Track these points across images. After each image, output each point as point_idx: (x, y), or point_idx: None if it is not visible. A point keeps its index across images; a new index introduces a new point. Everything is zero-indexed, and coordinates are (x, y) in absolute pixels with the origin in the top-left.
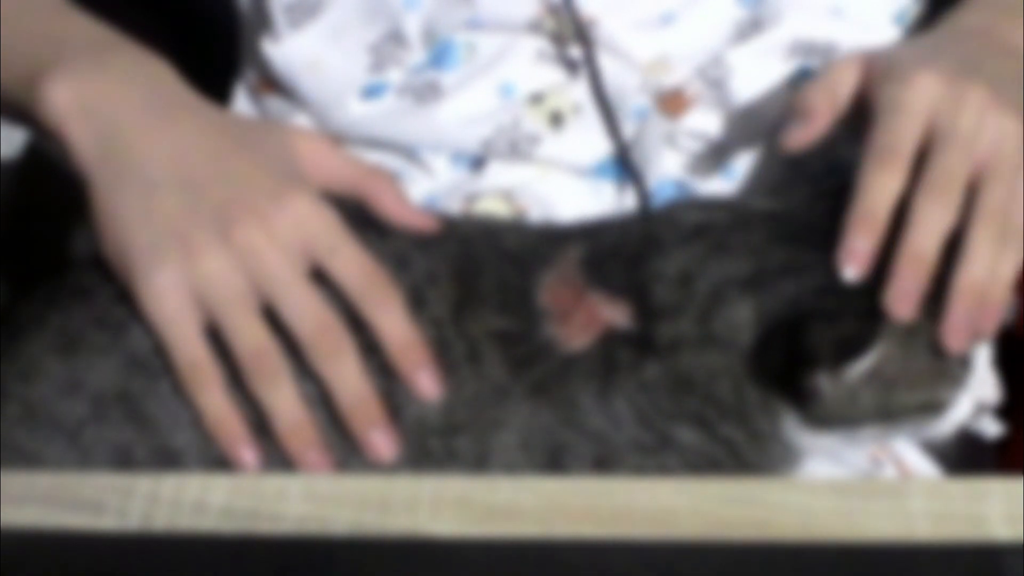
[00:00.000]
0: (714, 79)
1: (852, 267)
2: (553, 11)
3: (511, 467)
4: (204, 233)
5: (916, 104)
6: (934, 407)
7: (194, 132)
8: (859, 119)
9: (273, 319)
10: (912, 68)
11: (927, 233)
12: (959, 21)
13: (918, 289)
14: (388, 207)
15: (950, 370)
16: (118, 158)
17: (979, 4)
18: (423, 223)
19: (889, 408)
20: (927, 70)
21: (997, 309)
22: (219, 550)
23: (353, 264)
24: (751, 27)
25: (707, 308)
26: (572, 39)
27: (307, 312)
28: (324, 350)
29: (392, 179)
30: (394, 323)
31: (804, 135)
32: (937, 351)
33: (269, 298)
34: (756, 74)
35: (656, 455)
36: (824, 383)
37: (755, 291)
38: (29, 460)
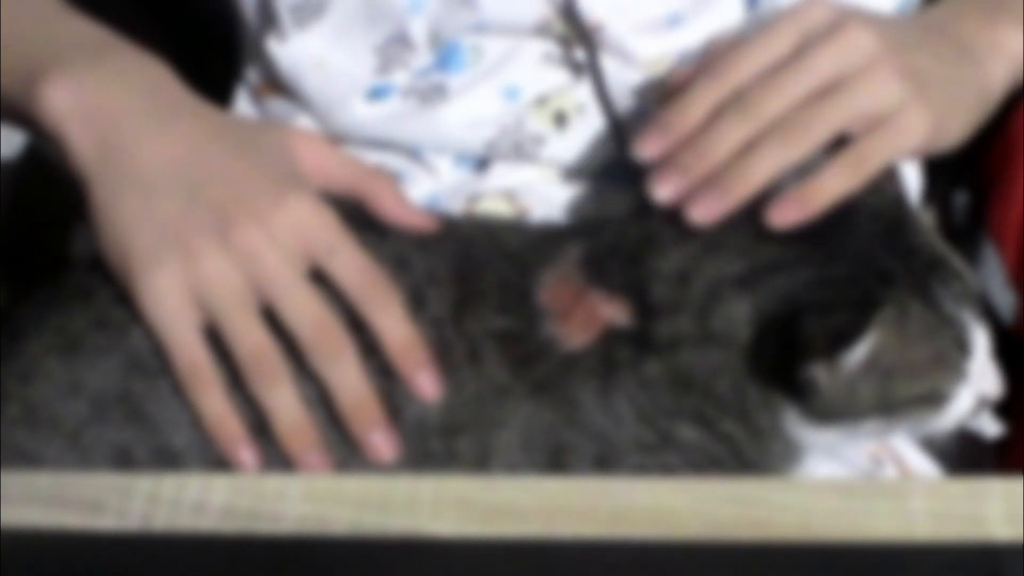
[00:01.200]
0: None
1: (641, 150)
2: (560, 14)
3: (512, 467)
4: (203, 234)
5: (790, 21)
6: (934, 399)
7: (193, 133)
8: None
9: (273, 320)
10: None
11: (714, 136)
12: (929, 12)
13: (685, 176)
14: (387, 207)
15: (949, 359)
16: (117, 160)
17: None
18: (422, 223)
19: (889, 400)
20: (830, 5)
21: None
22: (219, 550)
23: (352, 265)
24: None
25: (705, 306)
26: (578, 42)
27: (306, 313)
28: (324, 351)
29: (391, 179)
30: (393, 324)
31: None
32: (935, 339)
33: (268, 299)
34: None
35: (657, 453)
36: (821, 375)
37: (750, 288)
38: (29, 461)
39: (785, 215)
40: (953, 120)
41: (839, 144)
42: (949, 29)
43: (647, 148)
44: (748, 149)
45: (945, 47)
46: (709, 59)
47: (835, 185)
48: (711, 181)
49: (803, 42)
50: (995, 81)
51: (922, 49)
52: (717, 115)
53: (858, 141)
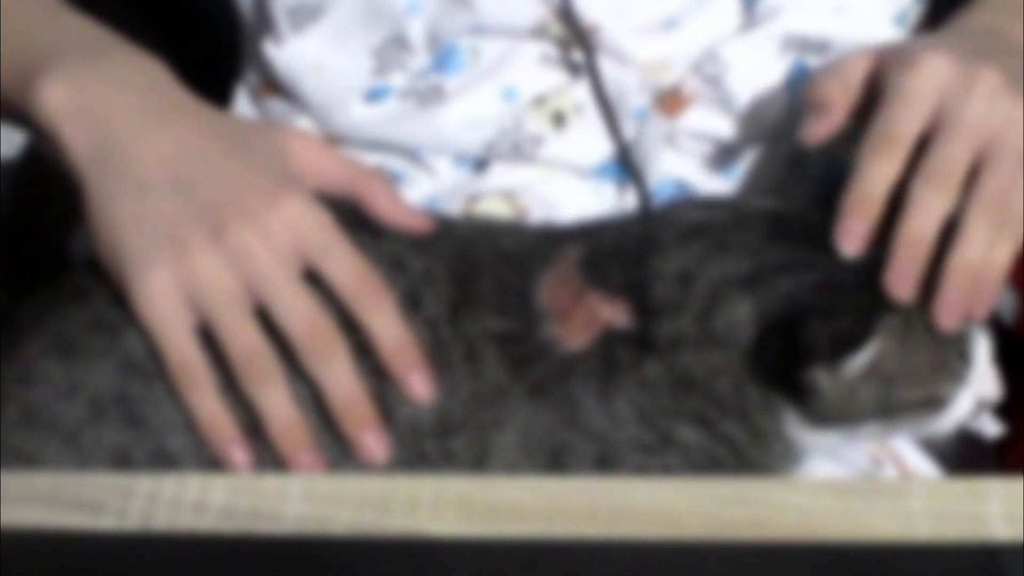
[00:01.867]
0: (711, 76)
1: (848, 245)
2: (557, 16)
3: (511, 468)
4: (197, 234)
5: (923, 88)
6: (934, 403)
7: (188, 133)
8: (871, 110)
9: (266, 320)
10: (922, 53)
11: (924, 217)
12: (966, 21)
13: (916, 271)
14: (382, 208)
15: (950, 365)
16: (112, 159)
17: (986, 6)
18: (418, 224)
19: (889, 404)
20: (937, 54)
21: (990, 293)
22: (219, 550)
23: (346, 265)
24: (750, 24)
25: (707, 307)
26: (575, 43)
27: (300, 313)
28: (317, 351)
29: (387, 180)
30: (387, 325)
31: (823, 128)
32: (936, 345)
33: (262, 299)
34: (753, 71)
35: (657, 454)
36: (822, 379)
37: (754, 289)
38: (28, 462)
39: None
40: None
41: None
42: (1000, 37)
43: (853, 238)
44: (964, 235)
45: (1011, 56)
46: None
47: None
48: (968, 290)
49: (942, 103)
50: None
51: (1012, 72)
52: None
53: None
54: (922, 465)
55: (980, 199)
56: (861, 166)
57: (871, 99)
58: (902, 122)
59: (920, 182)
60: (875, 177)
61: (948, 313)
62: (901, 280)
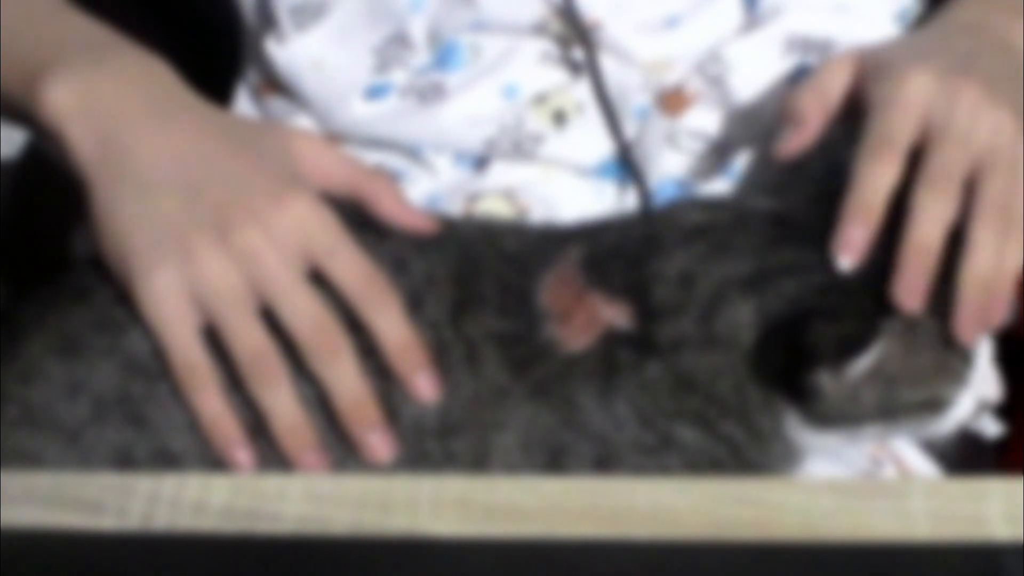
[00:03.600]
0: (713, 76)
1: (848, 256)
2: (559, 13)
3: (511, 468)
4: (202, 234)
5: (910, 100)
6: (936, 405)
7: (193, 133)
8: (856, 117)
9: (271, 320)
10: (905, 66)
11: (930, 224)
12: (953, 16)
13: (925, 280)
14: (387, 209)
15: (952, 367)
16: (117, 159)
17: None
18: (422, 225)
19: (891, 406)
20: (920, 67)
21: (1004, 300)
22: (219, 550)
23: (351, 266)
24: (751, 24)
25: (708, 308)
26: (576, 41)
27: (305, 314)
28: (322, 352)
29: (391, 180)
30: (392, 325)
31: (796, 142)
32: (938, 347)
33: (267, 299)
34: (755, 71)
35: (657, 455)
36: (826, 381)
37: (756, 291)
38: (29, 461)
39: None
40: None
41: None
42: (983, 32)
43: (853, 246)
44: (972, 246)
45: (998, 55)
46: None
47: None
48: (983, 301)
49: (929, 115)
50: None
51: (998, 74)
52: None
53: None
54: (922, 465)
55: (982, 207)
56: (859, 172)
57: (851, 107)
58: (894, 128)
59: (921, 189)
60: (874, 183)
61: (967, 327)
62: (910, 291)
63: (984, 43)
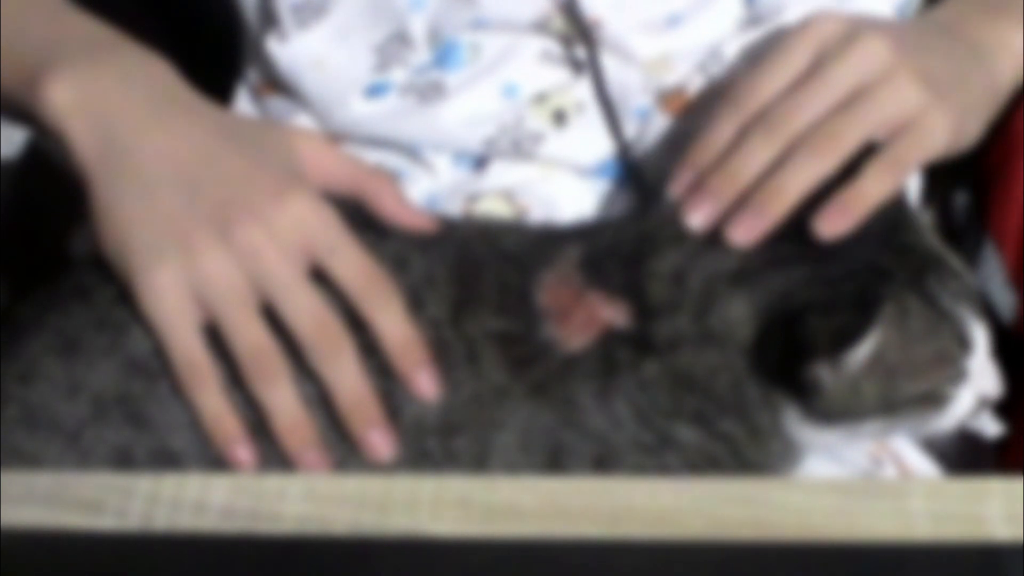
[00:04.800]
0: (715, 76)
1: (674, 192)
2: (560, 11)
3: (511, 467)
4: (204, 232)
5: (803, 39)
6: (936, 398)
7: (194, 132)
8: None
9: (272, 319)
10: (864, 31)
11: (742, 157)
12: (933, 14)
13: (715, 201)
14: (387, 207)
15: (950, 355)
16: (118, 157)
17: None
18: (422, 224)
19: (891, 399)
20: (877, 35)
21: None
22: (219, 550)
23: (352, 264)
24: (752, 22)
25: (702, 305)
26: (577, 39)
27: (306, 312)
28: (323, 350)
29: (392, 179)
30: (393, 323)
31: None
32: (933, 334)
33: (268, 298)
34: None
35: (656, 454)
36: (825, 374)
37: (745, 285)
38: (29, 461)
39: (834, 224)
40: (971, 120)
41: (866, 153)
42: (956, 30)
43: (679, 184)
44: (779, 166)
45: (956, 48)
46: (729, 88)
47: (875, 190)
48: (746, 202)
49: (820, 57)
50: (1004, 80)
51: (935, 52)
52: (743, 138)
53: (889, 146)
54: (922, 465)
55: (811, 136)
56: (711, 123)
57: None
58: (763, 84)
59: (754, 128)
60: (717, 135)
61: (737, 227)
62: (694, 208)
63: (949, 37)
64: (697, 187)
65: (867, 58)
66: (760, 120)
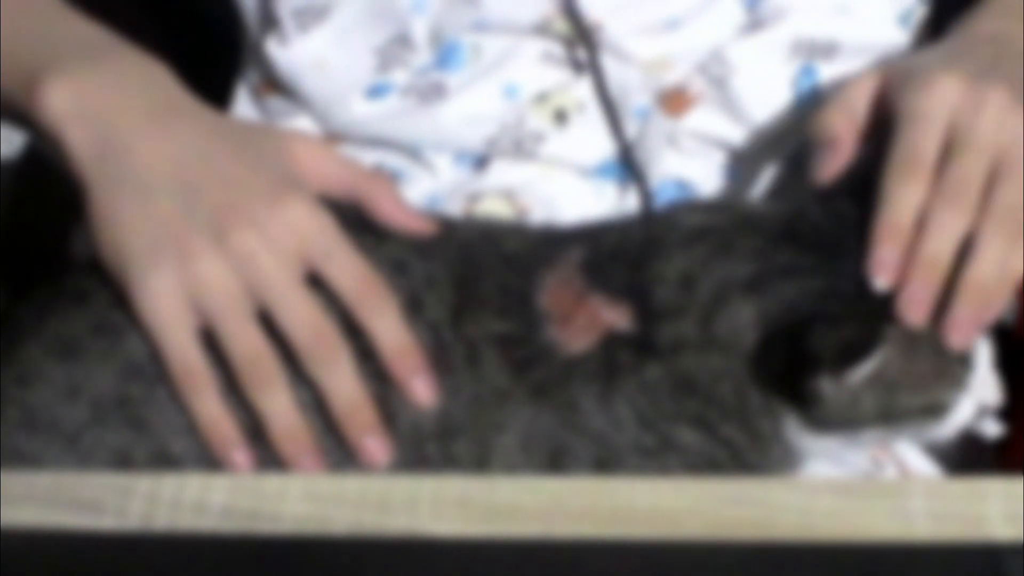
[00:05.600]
0: (716, 77)
1: (882, 277)
2: (561, 13)
3: (512, 469)
4: (200, 237)
5: (936, 109)
6: (936, 409)
7: (191, 136)
8: (881, 129)
9: (269, 324)
10: (931, 73)
11: (941, 238)
12: (973, 28)
13: (931, 294)
14: (386, 210)
15: (952, 372)
16: (115, 161)
17: (992, 10)
18: (421, 226)
19: (891, 411)
20: (946, 74)
21: (1000, 305)
22: (219, 550)
23: (349, 269)
24: (754, 26)
25: (709, 310)
26: (578, 41)
27: (302, 317)
28: (319, 355)
29: (390, 182)
30: (389, 328)
31: (833, 165)
32: (939, 353)
33: (265, 303)
34: (758, 73)
35: (657, 457)
36: (826, 386)
37: (757, 293)
38: (28, 464)
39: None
40: None
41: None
42: (1009, 41)
43: (885, 271)
44: (979, 255)
45: (1019, 64)
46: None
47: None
48: (960, 301)
49: (954, 122)
50: None
51: (1014, 71)
52: (932, 215)
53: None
54: (922, 466)
55: (994, 212)
56: (887, 193)
57: (880, 121)
58: (921, 143)
59: (937, 202)
60: (902, 203)
61: (959, 332)
62: (915, 304)
63: (1005, 52)
64: (909, 282)
65: (1000, 124)
66: (940, 194)
